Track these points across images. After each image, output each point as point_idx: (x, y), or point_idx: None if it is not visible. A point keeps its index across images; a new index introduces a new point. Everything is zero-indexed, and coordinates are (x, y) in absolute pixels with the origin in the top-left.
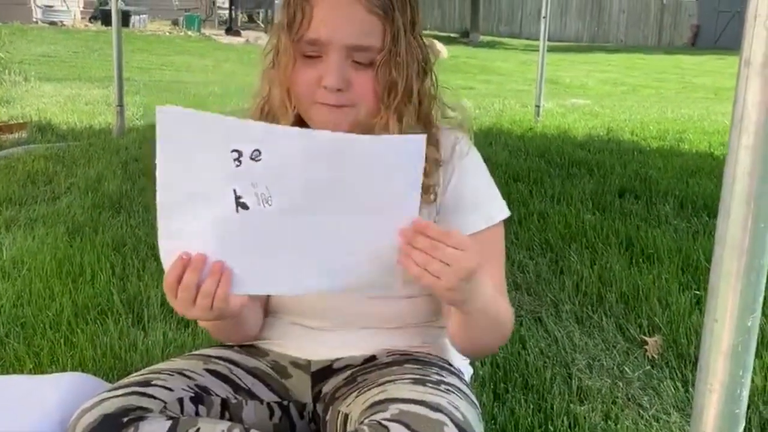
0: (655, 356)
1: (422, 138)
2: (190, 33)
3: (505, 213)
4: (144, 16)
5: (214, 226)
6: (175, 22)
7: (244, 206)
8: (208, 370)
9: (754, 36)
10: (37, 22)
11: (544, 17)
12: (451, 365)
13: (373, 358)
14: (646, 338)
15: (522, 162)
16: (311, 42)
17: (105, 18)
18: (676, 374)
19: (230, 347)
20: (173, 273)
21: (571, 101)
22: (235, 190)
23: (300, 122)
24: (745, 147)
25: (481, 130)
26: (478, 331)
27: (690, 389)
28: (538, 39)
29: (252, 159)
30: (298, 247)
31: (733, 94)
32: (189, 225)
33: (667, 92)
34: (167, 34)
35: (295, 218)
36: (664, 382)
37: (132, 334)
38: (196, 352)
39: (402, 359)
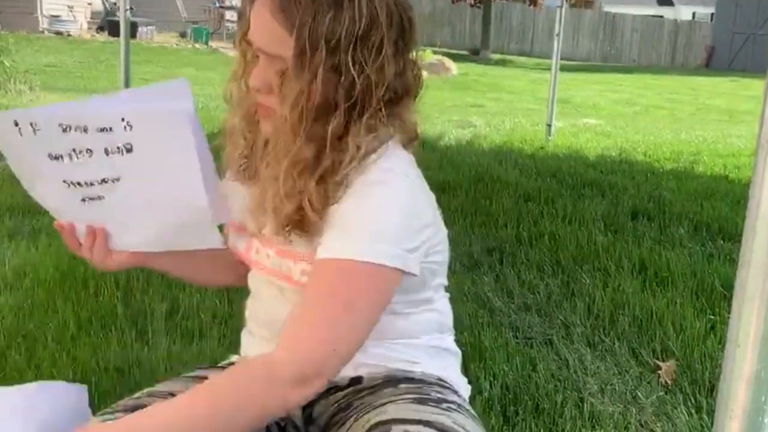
0: (669, 382)
1: (185, 84)
2: (197, 45)
3: (368, 257)
4: (151, 27)
5: (56, 198)
6: (182, 35)
7: (85, 200)
8: None
9: None
10: (43, 32)
11: (557, 35)
12: (447, 383)
13: (359, 379)
14: (660, 363)
15: (533, 182)
16: (249, 43)
17: (111, 28)
18: (690, 401)
19: (223, 368)
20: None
21: (582, 121)
22: (54, 171)
23: None
24: None
25: (491, 148)
26: None
27: (704, 416)
28: (549, 57)
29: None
30: (111, 212)
31: (748, 117)
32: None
33: (680, 113)
34: (174, 46)
35: (108, 188)
36: (678, 408)
37: (135, 348)
38: (193, 374)
39: (395, 378)
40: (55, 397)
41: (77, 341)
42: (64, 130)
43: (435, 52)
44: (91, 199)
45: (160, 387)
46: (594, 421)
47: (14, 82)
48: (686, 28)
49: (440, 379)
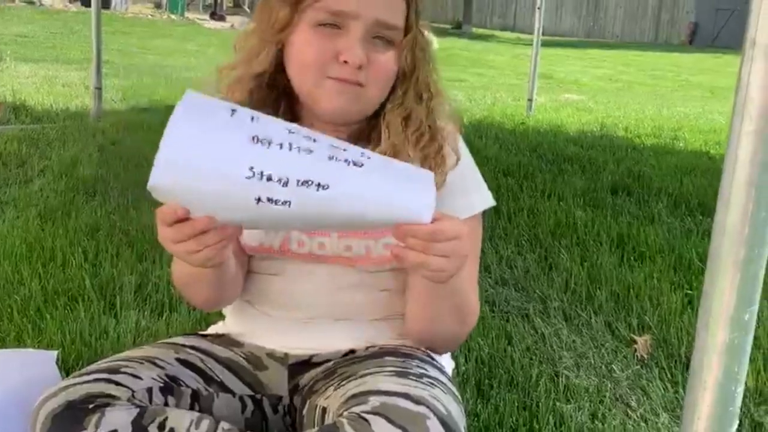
0: (645, 356)
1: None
2: (173, 16)
3: (489, 203)
4: None
5: (220, 188)
6: (158, 5)
7: (260, 200)
8: (179, 360)
9: (761, 14)
10: (15, 2)
11: (538, 8)
12: (433, 359)
13: (352, 351)
14: (636, 337)
15: (513, 156)
16: (335, 13)
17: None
18: (666, 375)
19: (202, 336)
20: (173, 212)
21: (564, 96)
22: (254, 182)
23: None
24: (747, 133)
25: (471, 122)
26: (443, 311)
27: (680, 390)
28: (531, 32)
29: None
30: (301, 219)
31: (731, 93)
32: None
33: (662, 90)
34: (149, 17)
35: (306, 194)
36: (654, 383)
37: (103, 321)
38: (168, 340)
39: (382, 352)
40: (24, 364)
41: (43, 313)
42: (290, 132)
43: None
44: (272, 201)
45: (135, 352)
46: (569, 394)
47: None
48: (669, 5)
49: (426, 354)
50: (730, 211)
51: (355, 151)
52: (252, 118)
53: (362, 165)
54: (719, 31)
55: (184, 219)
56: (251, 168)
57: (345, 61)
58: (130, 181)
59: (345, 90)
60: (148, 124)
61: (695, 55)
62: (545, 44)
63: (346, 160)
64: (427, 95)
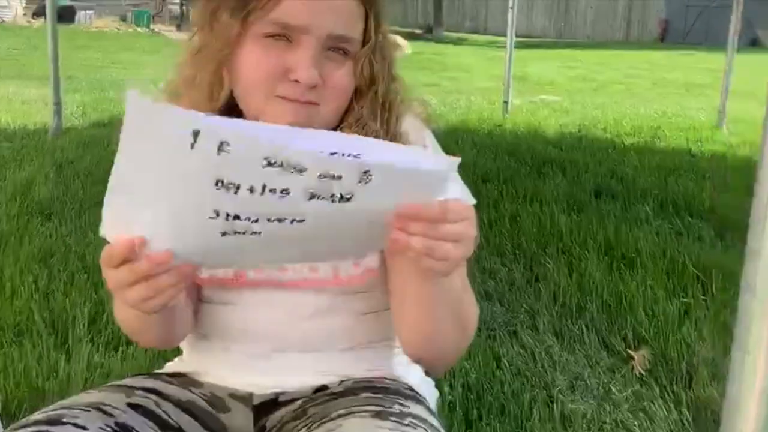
0: (643, 372)
1: (455, 162)
2: (139, 29)
3: (471, 200)
4: (90, 12)
5: (178, 220)
6: (123, 18)
7: (226, 234)
8: (131, 405)
9: None
10: None
11: (511, 7)
12: (414, 391)
13: (324, 387)
14: (632, 352)
15: (491, 161)
16: (284, 26)
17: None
18: (667, 393)
19: (157, 376)
20: (121, 251)
21: (539, 97)
22: (213, 196)
23: (227, 114)
24: None
25: (447, 127)
26: (443, 318)
27: (684, 410)
28: (503, 35)
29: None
30: (274, 247)
31: (706, 90)
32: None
33: (638, 88)
34: (115, 30)
35: (278, 227)
36: (655, 403)
37: (53, 358)
38: (119, 382)
39: (357, 387)
40: None
41: None
42: (269, 164)
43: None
44: (239, 233)
45: (81, 397)
46: (566, 421)
47: None
48: (639, 3)
49: (407, 387)
50: (765, 237)
51: (352, 172)
52: (219, 147)
53: (351, 197)
54: (690, 28)
55: (134, 258)
56: (215, 211)
57: (296, 80)
58: (88, 200)
59: (296, 110)
60: (109, 139)
61: (668, 52)
62: (518, 46)
63: (332, 196)
64: (386, 109)
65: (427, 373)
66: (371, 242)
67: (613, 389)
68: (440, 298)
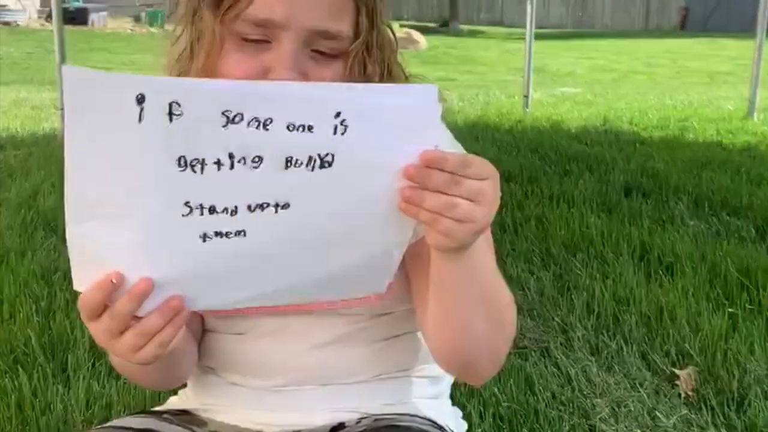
0: (690, 393)
1: (435, 88)
2: (153, 29)
3: None
4: (103, 13)
5: (151, 234)
6: (137, 19)
7: (206, 236)
8: None
9: None
10: None
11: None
12: (439, 426)
13: (341, 426)
14: (677, 371)
15: (513, 159)
16: (258, 23)
17: (63, 16)
18: (719, 417)
19: (158, 415)
20: (96, 295)
21: (560, 90)
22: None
23: None
24: None
25: (465, 123)
26: (470, 304)
27: None
28: (520, 27)
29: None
30: (263, 253)
31: (730, 78)
32: (115, 225)
33: (660, 78)
34: (129, 31)
35: (263, 218)
36: (707, 431)
37: (50, 388)
38: (115, 423)
39: (378, 426)
40: None
41: None
42: (230, 122)
43: (402, 26)
44: (221, 234)
45: None
46: None
47: None
48: None
49: (432, 422)
50: None
51: (323, 118)
52: (170, 111)
53: (331, 159)
54: (710, 16)
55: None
56: (186, 203)
57: None
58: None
59: None
60: None
61: (688, 40)
62: (535, 37)
63: (310, 160)
64: None
65: (454, 401)
66: (380, 230)
67: (659, 414)
68: (467, 280)
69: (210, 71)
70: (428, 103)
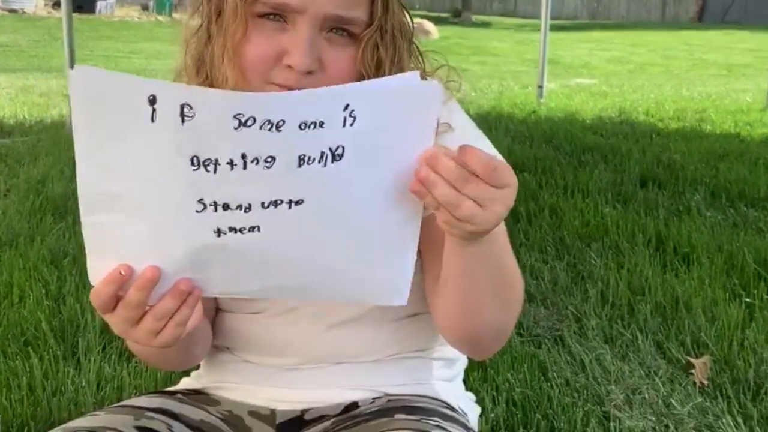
0: (705, 382)
1: (438, 87)
2: (160, 18)
3: None
4: (111, 1)
5: (165, 228)
6: (144, 7)
7: (221, 231)
8: (140, 429)
9: None
10: None
11: None
12: (452, 409)
13: (354, 405)
14: (692, 360)
15: (527, 149)
16: (276, 6)
17: (71, 4)
18: (734, 406)
19: (171, 395)
20: (107, 289)
21: (575, 81)
22: (193, 180)
23: None
24: None
25: (479, 114)
26: (482, 286)
27: (756, 428)
28: (532, 17)
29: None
30: (277, 248)
31: (748, 70)
32: (127, 220)
33: (677, 70)
34: (136, 19)
35: (277, 214)
36: (723, 420)
37: (61, 370)
38: (128, 402)
39: (391, 406)
40: None
41: None
42: (242, 125)
43: (414, 16)
44: (236, 230)
45: (87, 420)
46: None
47: None
48: None
49: (445, 405)
50: None
51: (333, 111)
52: (182, 113)
53: (342, 152)
54: (729, 8)
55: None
56: (200, 201)
57: (290, 66)
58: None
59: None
60: None
61: (705, 32)
62: (550, 28)
63: (322, 155)
64: None
65: (467, 387)
66: (393, 221)
67: (674, 402)
68: (478, 261)
69: (231, 51)
70: (432, 91)
